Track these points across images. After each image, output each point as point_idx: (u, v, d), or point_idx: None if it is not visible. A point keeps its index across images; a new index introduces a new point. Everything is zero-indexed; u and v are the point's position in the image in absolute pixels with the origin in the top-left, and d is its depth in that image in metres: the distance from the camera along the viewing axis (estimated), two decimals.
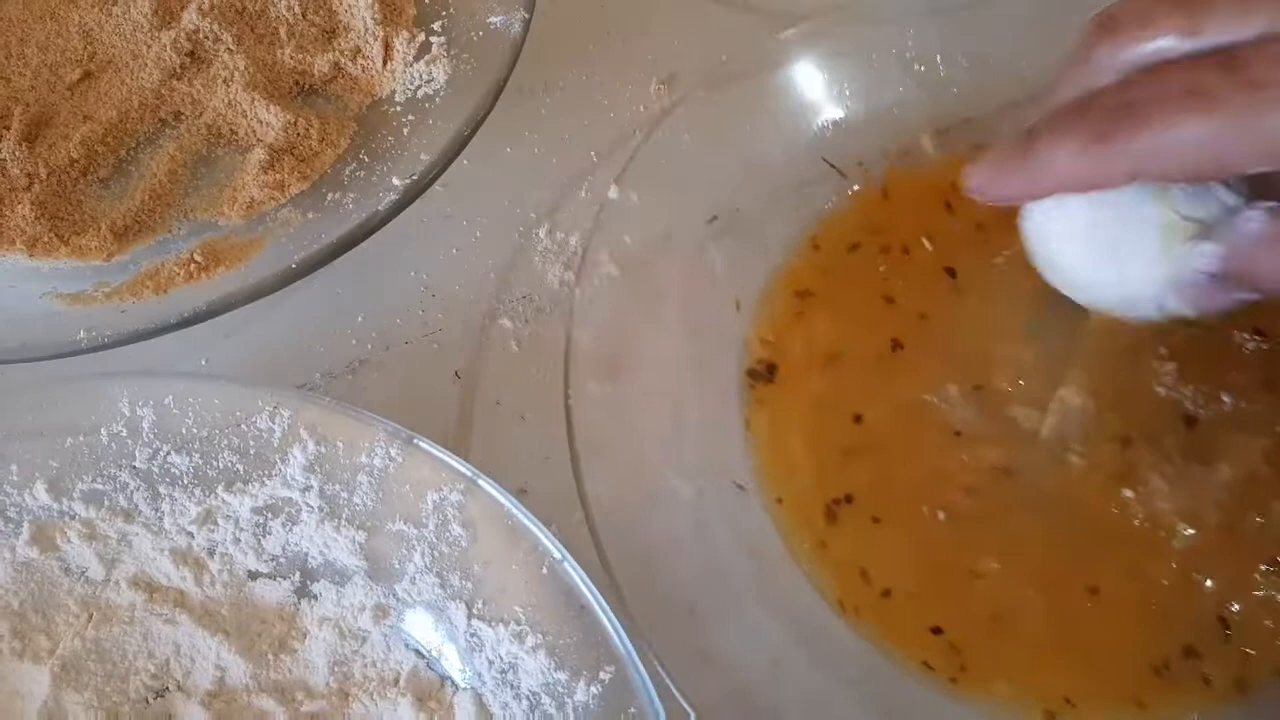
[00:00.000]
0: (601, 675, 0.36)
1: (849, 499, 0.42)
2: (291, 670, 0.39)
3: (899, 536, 0.41)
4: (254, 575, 0.40)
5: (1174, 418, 0.41)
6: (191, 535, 0.40)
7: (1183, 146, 0.30)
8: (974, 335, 0.43)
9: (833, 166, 0.47)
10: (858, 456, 0.42)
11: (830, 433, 0.43)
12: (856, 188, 0.47)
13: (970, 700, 0.38)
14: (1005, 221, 0.37)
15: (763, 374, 0.44)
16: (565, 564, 0.37)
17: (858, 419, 0.43)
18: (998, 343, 0.43)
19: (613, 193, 0.44)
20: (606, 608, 0.37)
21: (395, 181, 0.43)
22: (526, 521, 0.38)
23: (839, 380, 0.44)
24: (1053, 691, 0.38)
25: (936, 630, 0.39)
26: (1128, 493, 0.40)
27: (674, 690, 0.36)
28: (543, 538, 0.37)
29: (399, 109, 0.47)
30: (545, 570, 0.37)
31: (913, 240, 0.46)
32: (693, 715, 0.36)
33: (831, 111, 0.48)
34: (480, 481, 0.38)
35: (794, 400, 0.43)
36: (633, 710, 0.36)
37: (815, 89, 0.48)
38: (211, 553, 0.40)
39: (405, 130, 0.46)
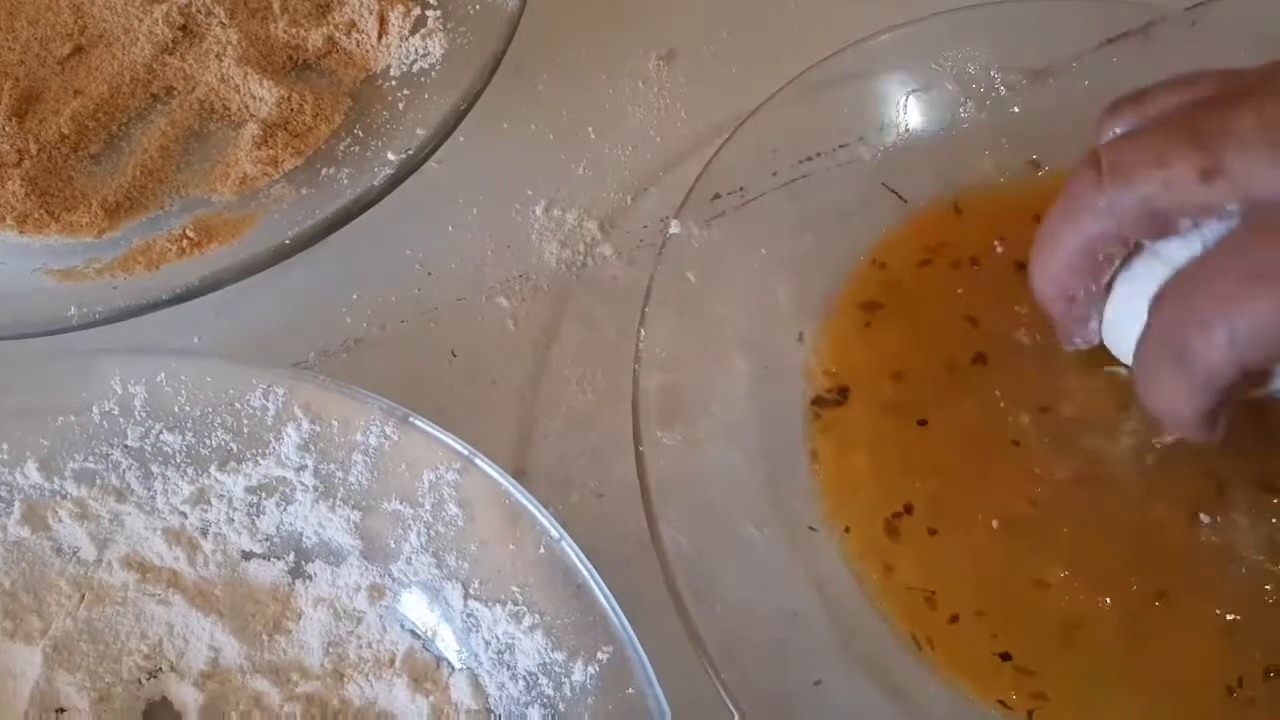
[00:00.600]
0: (599, 655, 0.36)
1: (909, 510, 0.41)
2: (286, 651, 0.39)
3: (958, 546, 0.41)
4: (248, 555, 0.39)
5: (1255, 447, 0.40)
6: (185, 515, 0.39)
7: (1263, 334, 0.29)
8: (1047, 356, 0.43)
9: (892, 191, 0.46)
10: (920, 471, 0.42)
11: (892, 448, 0.42)
12: (915, 208, 0.46)
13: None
14: None
15: (830, 400, 0.43)
16: (563, 543, 0.37)
17: (921, 432, 0.42)
18: (1068, 364, 0.42)
19: (674, 228, 0.43)
20: (604, 587, 0.36)
21: (390, 156, 0.42)
22: (524, 501, 0.37)
23: (905, 396, 0.43)
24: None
25: (1005, 656, 0.39)
26: (1204, 518, 0.40)
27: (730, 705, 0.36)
28: (540, 517, 0.37)
29: (394, 84, 0.47)
30: (543, 550, 0.37)
31: (982, 253, 0.45)
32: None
33: (889, 134, 0.47)
34: (477, 460, 0.38)
35: (859, 420, 0.43)
36: (630, 691, 0.35)
37: (871, 111, 0.47)
38: (205, 532, 0.39)
39: (400, 105, 0.45)
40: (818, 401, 0.43)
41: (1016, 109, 0.47)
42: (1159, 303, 0.32)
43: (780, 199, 0.45)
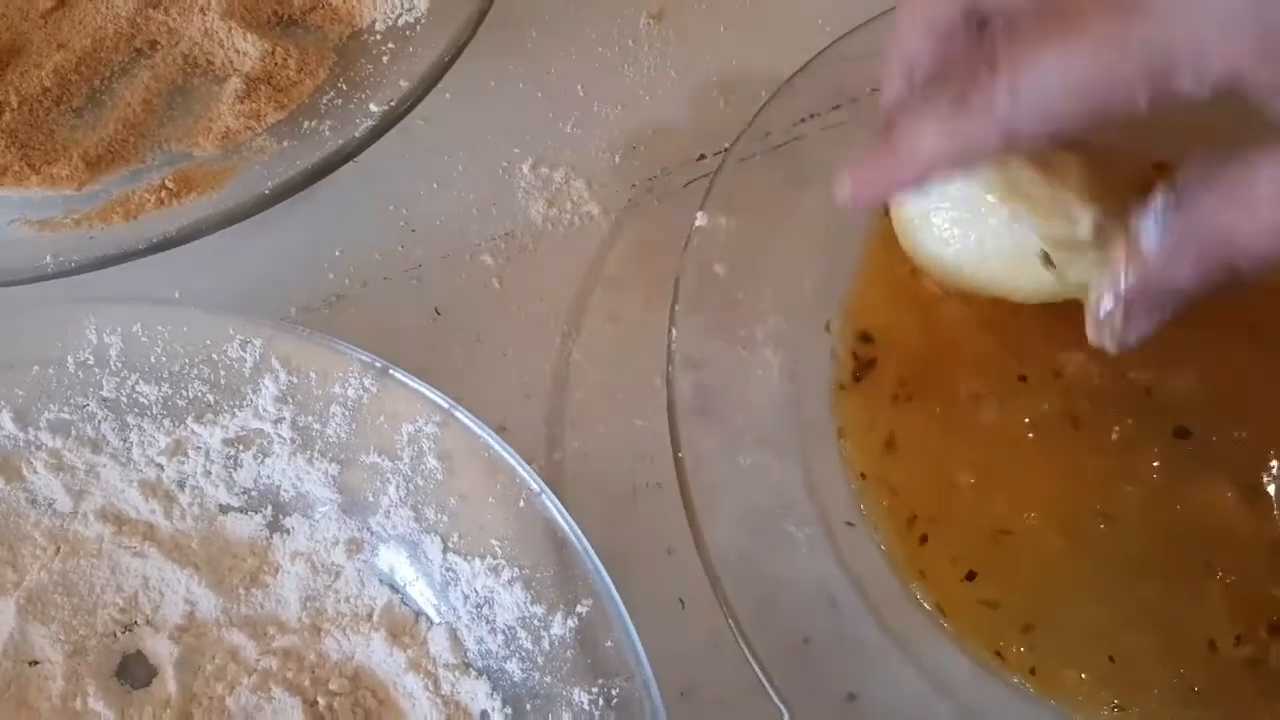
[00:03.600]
0: (579, 609, 0.35)
1: (945, 498, 0.41)
2: (263, 605, 0.38)
3: (995, 534, 0.40)
4: (225, 509, 0.39)
5: None
6: (161, 467, 0.39)
7: (1055, 85, 0.27)
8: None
9: None
10: (957, 456, 0.41)
11: (924, 430, 0.42)
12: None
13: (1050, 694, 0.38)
14: None
15: (858, 381, 0.42)
16: (543, 497, 0.36)
17: (957, 415, 0.42)
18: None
19: (700, 219, 0.42)
20: (585, 541, 0.36)
21: (373, 108, 0.42)
22: (504, 454, 0.37)
23: (936, 377, 0.42)
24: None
25: (1026, 629, 0.39)
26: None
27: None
28: (521, 470, 0.37)
29: (379, 37, 0.46)
30: (523, 504, 0.37)
31: None
32: None
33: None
34: (457, 413, 0.37)
35: (888, 401, 0.42)
36: (609, 644, 0.35)
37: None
38: (182, 485, 0.39)
39: (385, 58, 0.45)
40: (844, 385, 0.42)
41: None
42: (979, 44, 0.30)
43: (798, 181, 0.44)
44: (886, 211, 0.41)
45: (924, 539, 0.40)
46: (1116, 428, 0.41)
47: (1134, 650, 0.39)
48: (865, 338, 0.43)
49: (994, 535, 0.40)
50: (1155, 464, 0.41)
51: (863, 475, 0.42)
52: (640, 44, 0.50)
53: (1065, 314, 0.39)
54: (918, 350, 0.43)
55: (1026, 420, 0.42)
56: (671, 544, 0.41)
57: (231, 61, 0.46)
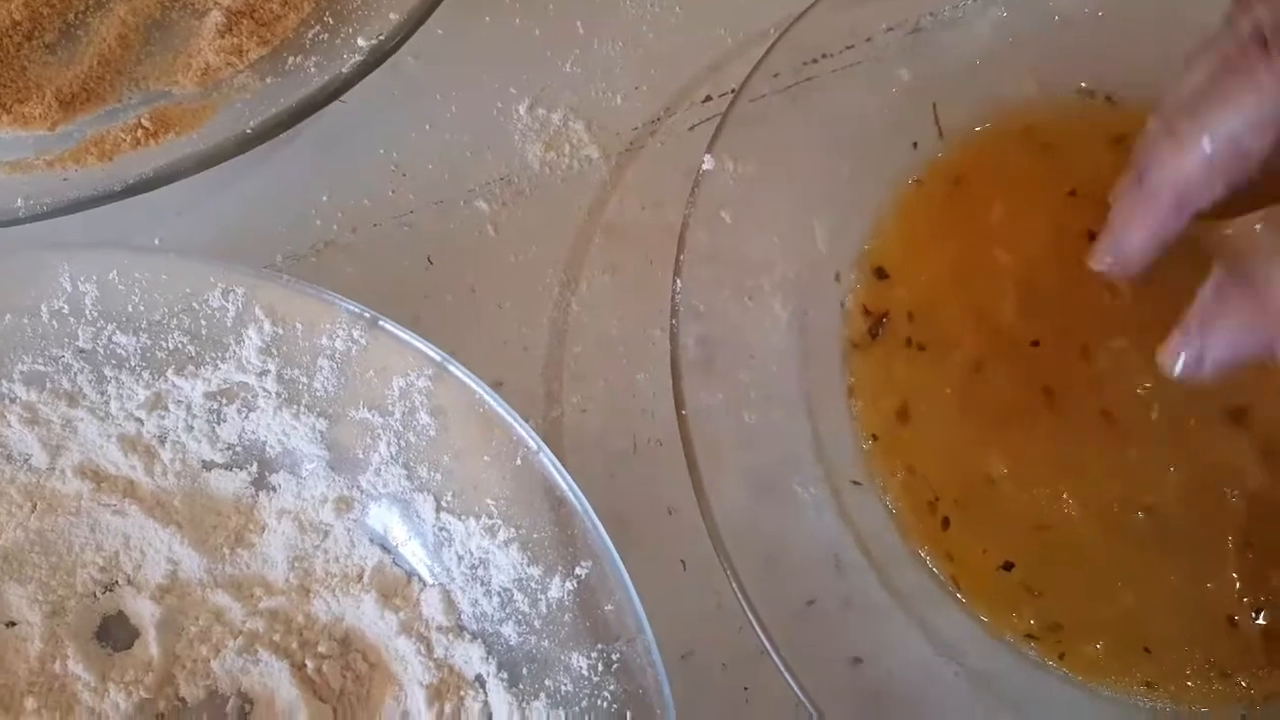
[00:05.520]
0: (578, 571, 0.34)
1: (955, 461, 0.40)
2: (249, 565, 0.37)
3: (997, 491, 0.40)
4: (209, 465, 0.37)
5: None
6: (141, 421, 0.37)
7: None
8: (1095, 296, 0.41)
9: (935, 116, 0.43)
10: (971, 416, 0.40)
11: (938, 390, 0.40)
12: (955, 133, 0.43)
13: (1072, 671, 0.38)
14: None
15: (869, 339, 0.41)
16: (541, 455, 0.35)
17: (965, 373, 0.41)
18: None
19: (708, 163, 0.39)
20: (584, 501, 0.34)
21: (360, 43, 0.39)
22: (500, 410, 0.35)
23: (943, 334, 0.41)
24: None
25: (1034, 592, 0.38)
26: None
27: (796, 690, 0.34)
28: (517, 427, 0.35)
29: None
30: (519, 462, 0.35)
31: (1022, 184, 0.43)
32: (815, 716, 0.34)
33: (918, 54, 0.43)
34: (450, 367, 0.36)
35: (898, 360, 0.41)
36: (610, 608, 0.34)
37: (898, 30, 0.43)
38: (163, 440, 0.37)
39: None
40: (856, 342, 0.41)
41: (1058, 16, 0.43)
42: None
43: (810, 125, 0.42)
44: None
45: (946, 522, 0.39)
46: (1155, 409, 0.40)
47: (1165, 637, 0.38)
48: (880, 273, 0.42)
49: (1031, 529, 0.39)
50: (1184, 445, 0.39)
51: (874, 437, 0.40)
52: None
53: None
54: (932, 287, 0.41)
55: (1044, 394, 0.40)
56: (673, 503, 0.40)
57: None
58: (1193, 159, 0.30)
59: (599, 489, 0.40)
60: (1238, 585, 0.39)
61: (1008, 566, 0.39)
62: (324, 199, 0.43)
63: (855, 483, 0.39)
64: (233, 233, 0.42)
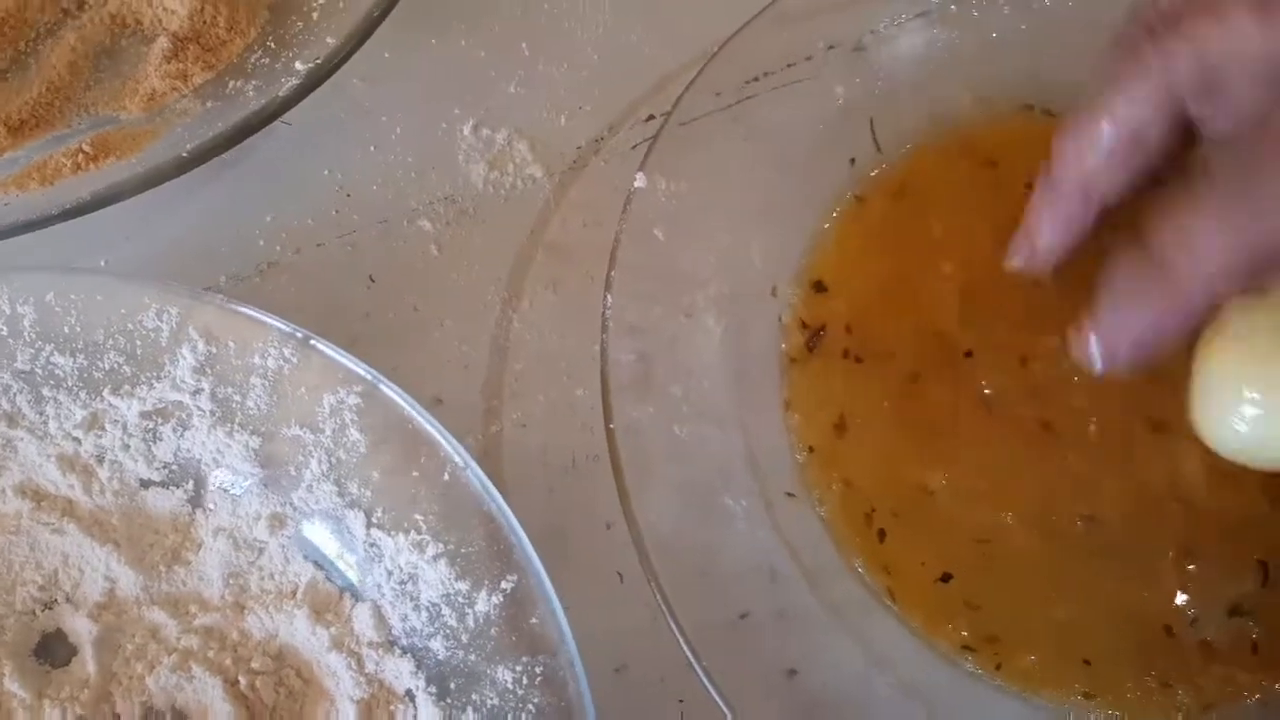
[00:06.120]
0: (504, 585, 0.34)
1: (892, 470, 0.40)
2: (185, 582, 0.37)
3: (934, 501, 0.40)
4: (146, 484, 0.38)
5: None
6: (78, 441, 0.37)
7: None
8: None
9: (872, 133, 0.43)
10: (906, 430, 0.40)
11: (874, 403, 0.41)
12: (894, 150, 0.44)
13: (1008, 682, 0.38)
14: None
15: (806, 352, 0.41)
16: (468, 471, 0.35)
17: (901, 386, 0.41)
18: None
19: (639, 181, 0.40)
20: (510, 516, 0.35)
21: (298, 66, 0.40)
22: (428, 427, 0.35)
23: (881, 347, 0.41)
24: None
25: (946, 577, 0.39)
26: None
27: (719, 701, 0.34)
28: (444, 444, 0.35)
29: None
30: (447, 478, 0.35)
31: (963, 196, 0.43)
32: (729, 716, 0.34)
33: (858, 72, 0.43)
34: (381, 386, 0.36)
35: (835, 372, 0.41)
36: (534, 621, 0.34)
37: (840, 48, 0.43)
38: (100, 459, 0.38)
39: (315, 15, 0.43)
40: (793, 356, 0.41)
41: (995, 35, 0.44)
42: (1218, 149, 0.29)
43: (748, 142, 0.42)
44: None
45: (882, 534, 0.39)
46: (1094, 419, 0.40)
47: (1104, 648, 0.38)
48: (819, 286, 0.42)
49: (970, 540, 0.39)
50: (1124, 455, 0.39)
51: (810, 449, 0.40)
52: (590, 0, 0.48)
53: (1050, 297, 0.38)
54: (871, 299, 0.42)
55: (983, 405, 0.40)
56: (611, 518, 0.40)
57: (160, 20, 0.45)
58: (1093, 149, 0.30)
59: (538, 504, 0.41)
60: (1176, 596, 0.39)
61: (946, 578, 0.39)
62: (268, 219, 0.44)
63: (790, 495, 0.40)
64: (178, 255, 0.43)
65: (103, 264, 0.43)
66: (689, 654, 0.35)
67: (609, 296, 0.38)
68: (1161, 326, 0.30)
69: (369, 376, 0.36)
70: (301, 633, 0.36)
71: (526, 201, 0.45)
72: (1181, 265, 0.28)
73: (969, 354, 0.41)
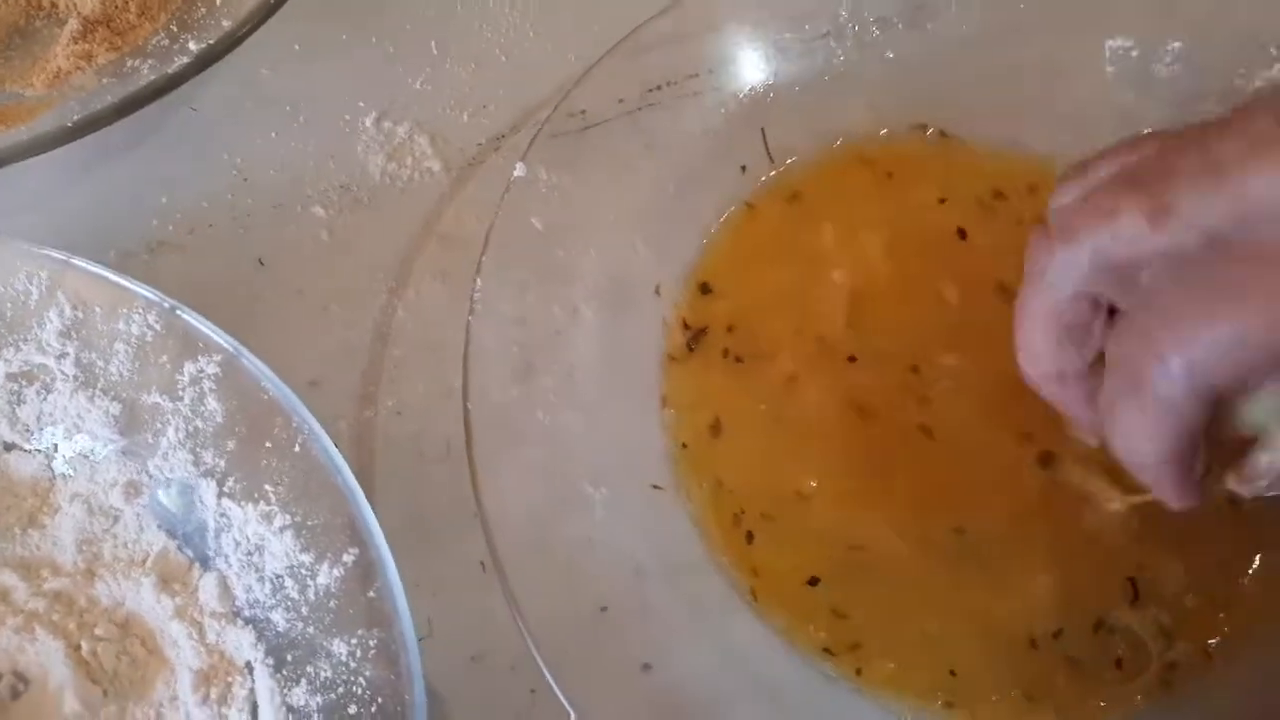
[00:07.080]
0: (345, 558, 0.34)
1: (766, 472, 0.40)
2: (39, 547, 0.37)
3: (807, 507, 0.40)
4: (9, 446, 0.38)
5: None
6: None
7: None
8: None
9: (764, 140, 0.44)
10: (783, 432, 0.40)
11: (752, 405, 0.41)
12: (784, 156, 0.44)
13: (868, 688, 0.38)
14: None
15: (687, 352, 0.41)
16: (318, 441, 0.35)
17: (784, 390, 0.41)
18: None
19: (519, 170, 0.40)
20: (355, 489, 0.35)
21: (191, 47, 0.41)
22: (283, 396, 0.36)
23: (762, 349, 0.42)
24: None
25: (813, 581, 0.39)
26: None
27: (559, 695, 0.34)
28: (297, 414, 0.35)
29: None
30: (298, 449, 0.35)
31: (855, 205, 0.44)
32: (573, 715, 0.34)
33: (756, 83, 0.44)
34: (241, 357, 0.36)
35: (717, 374, 0.41)
36: (372, 594, 0.34)
37: (740, 60, 0.44)
38: None
39: (219, 1, 0.44)
40: (673, 354, 0.41)
41: (891, 54, 0.45)
42: (1116, 337, 0.30)
43: (637, 141, 0.43)
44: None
45: (750, 536, 0.39)
46: (974, 431, 0.40)
47: (968, 658, 0.38)
48: (705, 288, 0.42)
49: (840, 545, 0.39)
50: (999, 468, 0.40)
51: (684, 446, 0.40)
52: (500, 3, 0.49)
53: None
54: (756, 302, 0.42)
55: (861, 411, 0.41)
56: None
57: (74, 4, 0.46)
58: (1044, 343, 0.32)
59: (407, 490, 0.41)
60: (1042, 610, 0.38)
61: (813, 582, 0.39)
62: (163, 200, 0.44)
63: (656, 487, 0.40)
64: (70, 229, 0.43)
65: None
66: (529, 642, 0.34)
67: (478, 280, 0.38)
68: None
69: (229, 347, 0.36)
70: (148, 601, 0.36)
71: (422, 194, 0.45)
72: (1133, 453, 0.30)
73: (852, 359, 0.41)
